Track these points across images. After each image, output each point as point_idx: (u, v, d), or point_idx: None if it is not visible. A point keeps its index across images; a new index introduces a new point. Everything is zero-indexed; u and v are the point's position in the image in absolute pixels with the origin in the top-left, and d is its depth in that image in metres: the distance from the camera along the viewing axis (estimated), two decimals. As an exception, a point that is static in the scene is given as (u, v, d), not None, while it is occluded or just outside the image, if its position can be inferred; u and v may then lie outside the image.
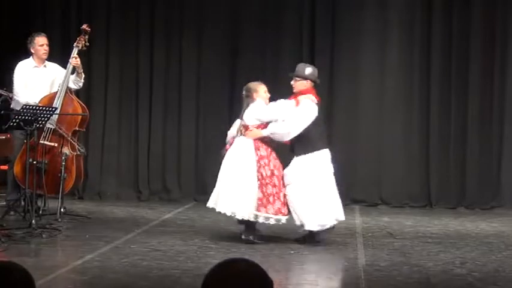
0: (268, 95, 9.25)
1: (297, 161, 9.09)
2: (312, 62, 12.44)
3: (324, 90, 12.47)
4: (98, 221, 10.45)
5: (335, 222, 9.16)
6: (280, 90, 12.02)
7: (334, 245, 9.14)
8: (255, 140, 9.04)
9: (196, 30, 12.57)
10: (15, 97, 10.28)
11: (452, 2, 12.29)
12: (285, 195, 8.99)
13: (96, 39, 12.52)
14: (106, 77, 12.67)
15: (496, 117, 12.22)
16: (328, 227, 9.06)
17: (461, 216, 11.55)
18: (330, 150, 9.08)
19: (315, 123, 9.09)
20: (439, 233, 10.14)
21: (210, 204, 9.09)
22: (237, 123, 9.28)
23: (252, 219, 8.90)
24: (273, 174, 8.99)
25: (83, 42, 10.58)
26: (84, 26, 10.65)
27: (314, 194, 8.96)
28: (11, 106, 10.28)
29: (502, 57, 12.23)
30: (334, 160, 12.41)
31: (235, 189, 8.88)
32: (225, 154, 9.15)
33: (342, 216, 9.22)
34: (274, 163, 9.04)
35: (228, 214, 8.96)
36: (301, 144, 9.08)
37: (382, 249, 8.94)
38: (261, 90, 9.19)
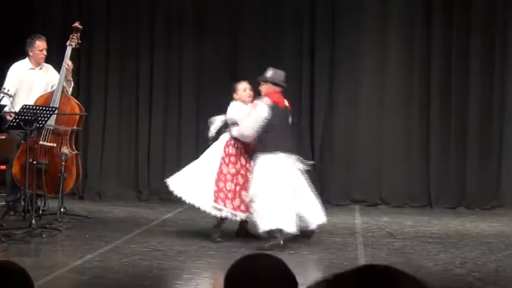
0: (249, 93, 9.34)
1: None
2: (311, 61, 12.48)
3: (324, 90, 12.49)
4: (98, 221, 10.45)
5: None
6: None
7: (334, 245, 9.14)
8: (230, 138, 9.24)
9: (197, 29, 12.56)
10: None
11: (453, 2, 12.29)
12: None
13: (96, 39, 12.53)
14: (106, 77, 12.66)
15: (496, 117, 12.22)
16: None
17: (461, 216, 11.54)
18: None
19: (269, 126, 8.94)
20: (439, 233, 10.13)
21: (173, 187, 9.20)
22: (217, 118, 9.51)
23: (213, 212, 9.03)
24: (237, 173, 9.13)
25: (76, 40, 10.55)
26: (76, 24, 10.62)
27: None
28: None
29: (502, 57, 12.22)
30: (335, 160, 12.47)
31: (198, 181, 9.09)
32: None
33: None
34: (243, 163, 9.18)
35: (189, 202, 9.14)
36: (258, 145, 9.07)
37: (382, 249, 8.95)
38: (240, 89, 9.34)
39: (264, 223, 8.77)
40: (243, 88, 9.33)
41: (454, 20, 12.26)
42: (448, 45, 12.26)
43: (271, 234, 8.77)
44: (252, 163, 9.12)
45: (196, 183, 9.09)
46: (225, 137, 9.30)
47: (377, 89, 12.44)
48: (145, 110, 12.63)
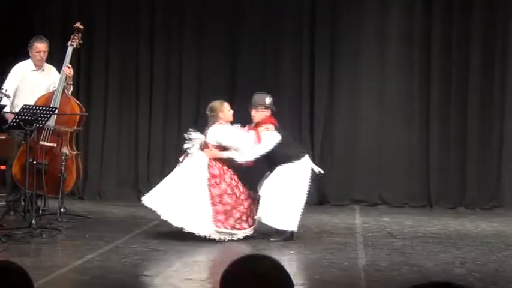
0: (231, 112, 9.47)
1: (275, 172, 9.30)
2: (311, 63, 12.48)
3: (324, 91, 12.49)
4: (98, 221, 10.45)
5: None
6: (280, 92, 12.05)
7: (334, 245, 9.14)
8: (210, 158, 9.25)
9: (197, 29, 12.56)
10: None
11: (453, 2, 12.28)
12: (243, 211, 9.17)
13: (96, 39, 12.53)
14: (106, 77, 12.66)
15: (496, 117, 12.22)
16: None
17: (461, 216, 11.54)
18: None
19: (282, 144, 9.29)
20: (439, 233, 10.13)
21: (153, 204, 9.24)
22: (196, 136, 9.37)
23: (213, 236, 9.03)
24: (224, 193, 9.14)
25: (77, 40, 10.53)
26: (78, 24, 10.60)
27: (290, 199, 9.20)
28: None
29: (502, 57, 12.22)
30: (335, 160, 12.46)
31: (189, 206, 9.01)
32: (181, 162, 9.35)
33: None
34: (228, 182, 9.22)
35: (179, 227, 9.05)
36: (272, 160, 9.32)
37: (382, 249, 8.94)
38: (225, 109, 9.40)
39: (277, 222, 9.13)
40: (228, 108, 9.44)
41: (454, 20, 12.26)
42: (448, 45, 12.25)
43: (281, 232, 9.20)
44: (236, 178, 9.28)
45: (187, 207, 9.00)
46: (203, 157, 9.24)
47: (377, 89, 12.44)
48: (145, 110, 12.63)
